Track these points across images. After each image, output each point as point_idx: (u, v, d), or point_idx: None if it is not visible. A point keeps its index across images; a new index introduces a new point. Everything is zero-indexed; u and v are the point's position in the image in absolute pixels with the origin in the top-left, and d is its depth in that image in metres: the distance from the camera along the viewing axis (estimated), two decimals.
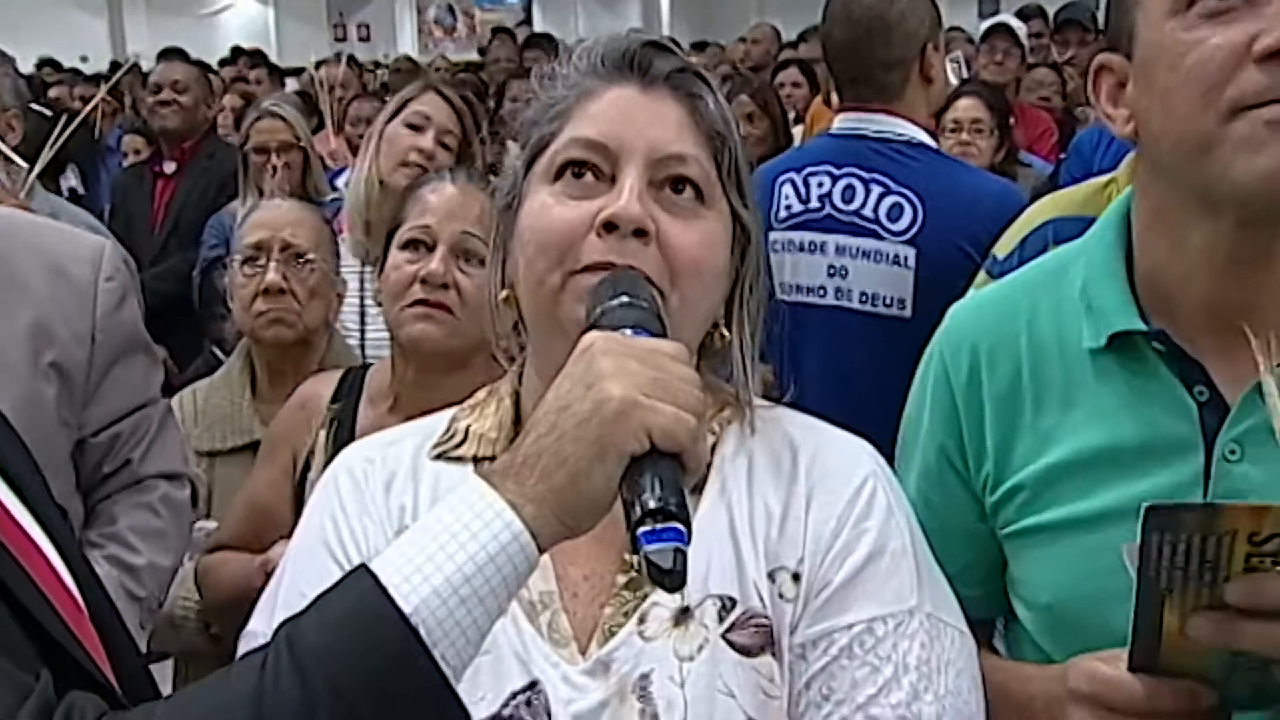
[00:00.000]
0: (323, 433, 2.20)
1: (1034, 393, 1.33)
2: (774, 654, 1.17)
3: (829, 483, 1.22)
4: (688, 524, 0.96)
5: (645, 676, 1.15)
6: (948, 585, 1.25)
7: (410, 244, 2.15)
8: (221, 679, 0.98)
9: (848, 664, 1.16)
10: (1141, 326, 1.26)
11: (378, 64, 11.68)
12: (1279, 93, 1.11)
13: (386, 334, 3.15)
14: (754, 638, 1.17)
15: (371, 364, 2.36)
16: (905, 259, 2.78)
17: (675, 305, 1.18)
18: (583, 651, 1.18)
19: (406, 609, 0.93)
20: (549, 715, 1.15)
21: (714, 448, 1.24)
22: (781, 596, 1.18)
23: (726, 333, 1.27)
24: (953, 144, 4.26)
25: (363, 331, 3.22)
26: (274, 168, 3.98)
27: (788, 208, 2.94)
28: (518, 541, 0.96)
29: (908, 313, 2.76)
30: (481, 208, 2.16)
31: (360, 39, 21.87)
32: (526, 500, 0.97)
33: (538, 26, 20.35)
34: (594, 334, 1.05)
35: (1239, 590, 1.06)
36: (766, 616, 1.17)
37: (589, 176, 1.21)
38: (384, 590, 0.93)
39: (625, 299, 1.10)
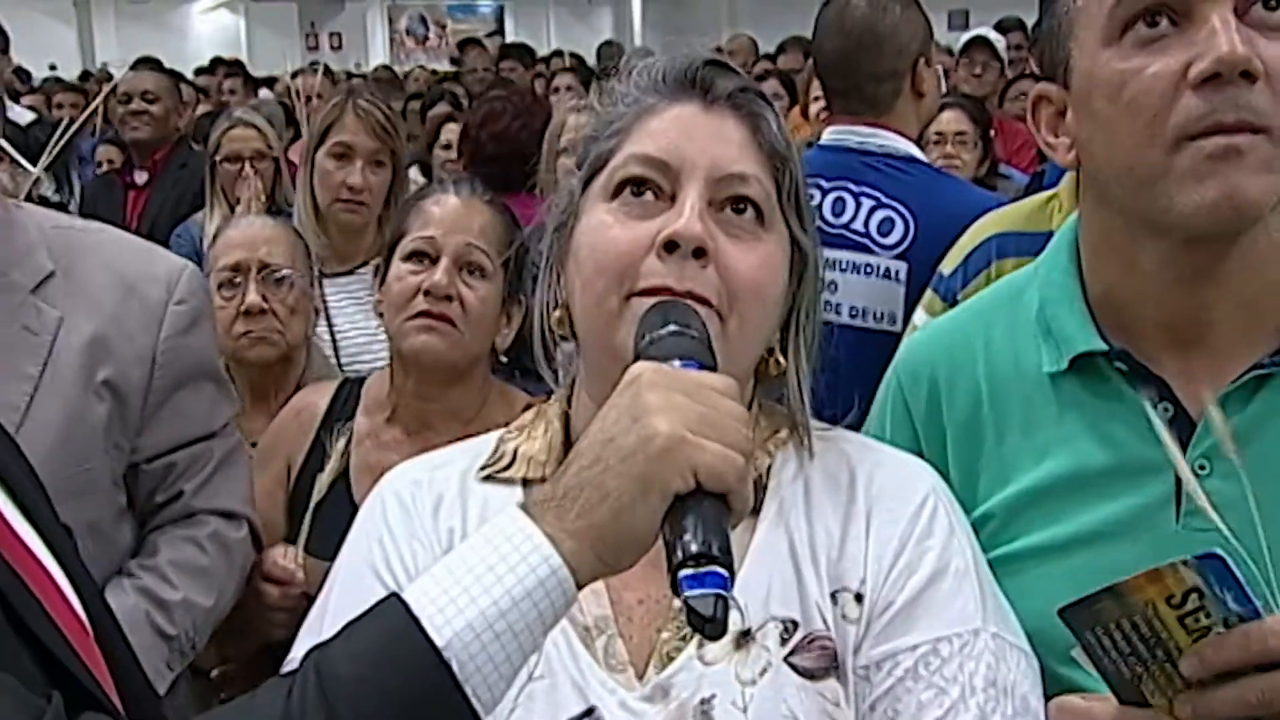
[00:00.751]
0: (341, 441, 2.17)
1: (994, 419, 1.32)
2: (838, 677, 1.14)
3: (888, 502, 1.20)
4: (730, 568, 0.93)
5: (707, 701, 1.13)
6: (1008, 605, 1.23)
7: (414, 255, 2.12)
8: (246, 703, 0.96)
9: (913, 686, 1.13)
10: (1103, 346, 1.25)
11: (349, 74, 11.63)
12: (1218, 119, 1.12)
13: (363, 345, 3.16)
14: (818, 660, 1.15)
15: (367, 376, 2.34)
16: (897, 273, 2.75)
17: (733, 329, 1.16)
18: (640, 676, 1.16)
19: (439, 642, 0.91)
20: None
21: (770, 470, 1.22)
22: (845, 618, 1.16)
23: (782, 359, 1.25)
24: (937, 156, 4.26)
25: (335, 345, 3.18)
26: (250, 175, 3.91)
27: None
28: (555, 577, 0.93)
29: (898, 327, 2.72)
30: (485, 220, 2.14)
31: (332, 48, 21.82)
32: (566, 535, 0.94)
33: (509, 36, 20.35)
34: (642, 364, 1.02)
35: (1189, 666, 1.05)
36: (830, 639, 1.15)
37: (648, 195, 1.19)
38: (417, 622, 0.91)
39: (675, 328, 1.07)
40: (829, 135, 2.92)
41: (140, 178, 4.95)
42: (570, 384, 1.32)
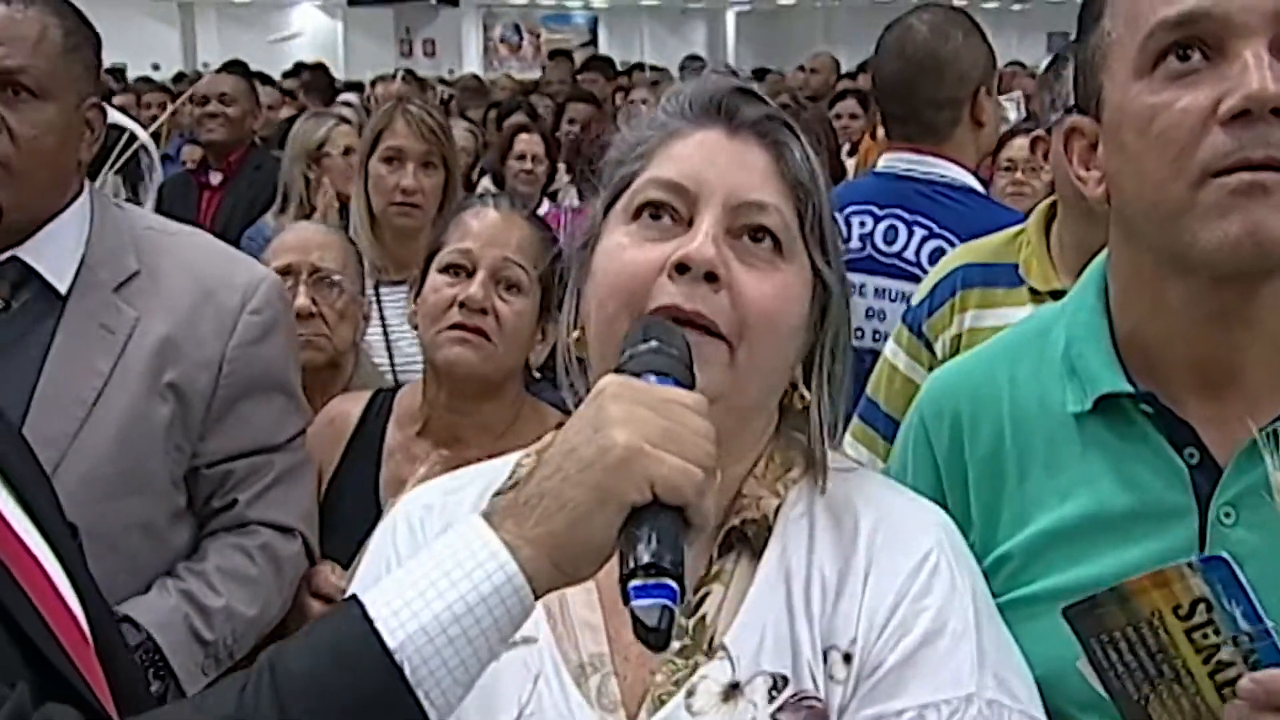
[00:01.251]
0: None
1: (1017, 458, 1.30)
2: None
3: (889, 555, 1.17)
4: (680, 581, 0.93)
5: None
6: (1022, 663, 1.19)
7: (450, 268, 2.12)
8: (202, 698, 1.00)
9: None
10: (1128, 388, 1.23)
11: (443, 80, 11.78)
12: (1245, 155, 1.10)
13: (417, 354, 3.18)
14: (805, 719, 1.12)
15: (401, 385, 2.35)
16: None
17: (742, 358, 1.15)
18: (630, 717, 1.14)
19: (392, 644, 0.92)
20: None
21: (778, 510, 1.20)
22: (832, 678, 1.13)
23: (806, 394, 1.23)
24: (1006, 184, 4.18)
25: (390, 353, 3.20)
26: (326, 183, 3.94)
27: (844, 240, 2.88)
28: (511, 584, 0.94)
29: None
30: (523, 235, 2.14)
31: (426, 55, 22.11)
32: (524, 542, 0.95)
33: (603, 48, 20.48)
34: (610, 377, 1.03)
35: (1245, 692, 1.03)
36: (819, 699, 1.12)
37: (666, 219, 1.18)
38: (371, 624, 0.93)
39: (655, 344, 1.07)
40: (885, 162, 2.88)
41: (215, 178, 5.04)
42: None
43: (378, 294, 3.16)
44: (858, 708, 1.12)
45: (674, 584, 0.93)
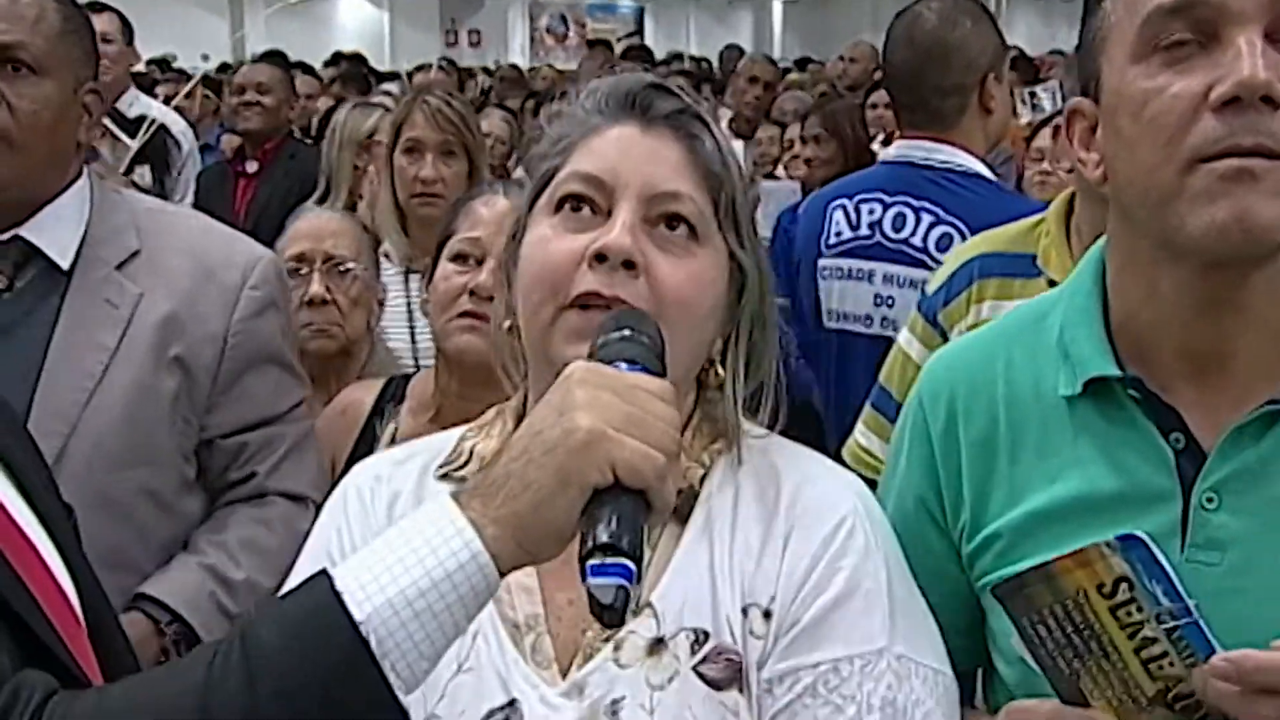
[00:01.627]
0: (389, 428, 2.22)
1: (1010, 440, 1.32)
2: (741, 688, 1.19)
3: (807, 520, 1.23)
4: (638, 562, 0.97)
5: (617, 702, 1.18)
6: (933, 625, 1.27)
7: (459, 256, 2.16)
8: (174, 667, 1.03)
9: (811, 702, 1.18)
10: (1116, 372, 1.25)
11: (485, 70, 11.82)
12: (1235, 142, 1.11)
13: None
14: (723, 672, 1.19)
15: (414, 373, 2.38)
16: None
17: (663, 338, 1.19)
18: (563, 674, 1.21)
19: (358, 617, 0.95)
20: None
21: (703, 479, 1.27)
22: (752, 633, 1.20)
23: (721, 370, 1.30)
24: (1034, 173, 4.14)
25: (413, 337, 3.24)
26: (373, 171, 3.95)
27: (838, 234, 2.90)
28: (476, 561, 0.98)
29: None
30: None
31: (471, 44, 22.17)
32: (489, 521, 0.99)
33: (649, 39, 20.44)
34: (577, 363, 1.07)
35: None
36: (736, 652, 1.19)
37: (586, 211, 1.25)
38: (339, 597, 0.96)
39: (627, 333, 1.12)
40: (894, 150, 2.90)
41: (250, 167, 5.08)
42: (525, 386, 1.36)
43: (407, 282, 3.21)
44: (776, 661, 1.19)
45: (630, 564, 0.96)
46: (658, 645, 1.20)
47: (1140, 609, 1.03)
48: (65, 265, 1.91)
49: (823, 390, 3.07)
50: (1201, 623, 1.04)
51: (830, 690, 1.18)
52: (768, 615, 1.20)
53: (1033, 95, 5.48)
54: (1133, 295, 1.26)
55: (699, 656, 1.19)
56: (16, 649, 1.06)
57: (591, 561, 0.96)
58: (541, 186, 1.29)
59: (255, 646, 0.96)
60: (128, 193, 2.15)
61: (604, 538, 0.96)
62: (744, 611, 1.20)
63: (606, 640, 1.20)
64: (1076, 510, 1.25)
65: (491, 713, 1.19)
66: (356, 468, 1.40)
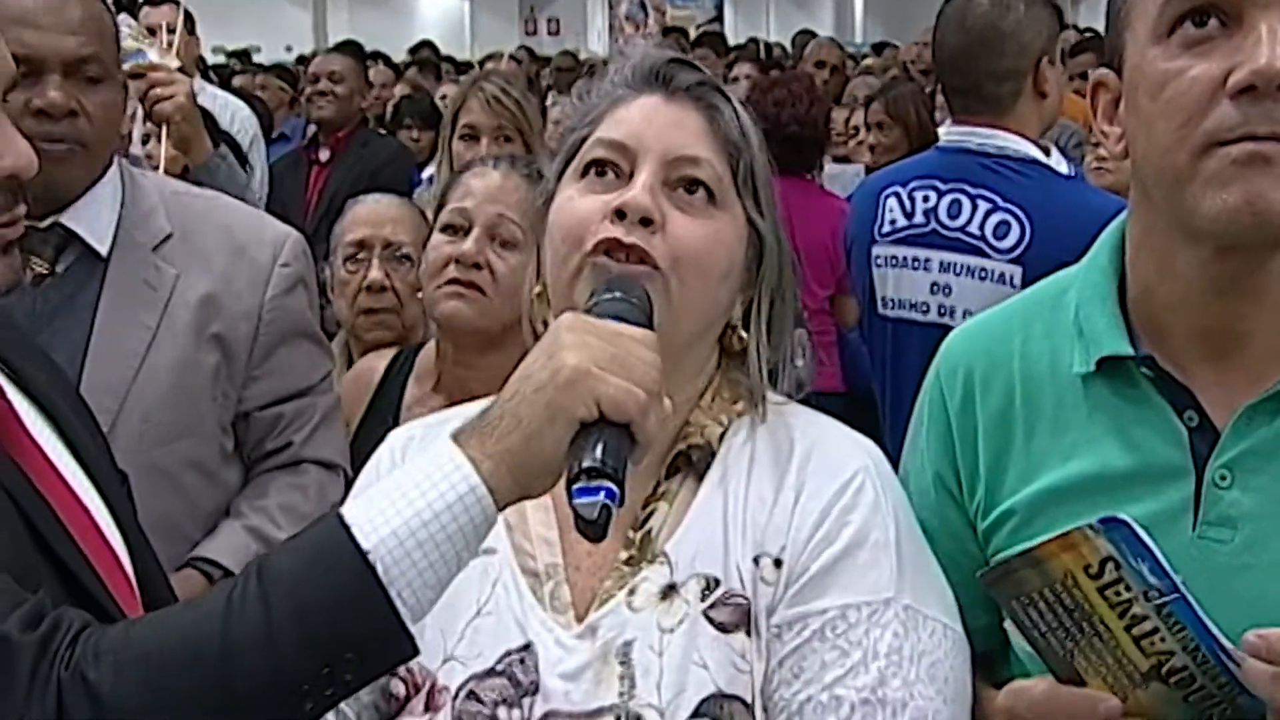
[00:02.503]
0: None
1: (1025, 417, 1.33)
2: (748, 632, 1.23)
3: (819, 477, 1.28)
4: (621, 486, 1.04)
5: (628, 644, 1.23)
6: (943, 583, 1.30)
7: (448, 227, 2.22)
8: (196, 600, 1.10)
9: (819, 646, 1.22)
10: (1129, 351, 1.25)
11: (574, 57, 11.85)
12: (1250, 129, 1.11)
13: None
14: (731, 615, 1.24)
15: (423, 344, 2.44)
16: (1011, 278, 2.69)
17: (675, 291, 1.27)
18: (579, 619, 1.27)
19: (365, 546, 1.03)
20: (538, 673, 1.24)
21: (722, 437, 1.32)
22: (763, 580, 1.25)
23: (744, 335, 1.35)
24: (1092, 158, 4.06)
25: None
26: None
27: (891, 222, 2.90)
28: (474, 494, 1.05)
29: None
30: (521, 195, 2.20)
31: (550, 33, 22.23)
32: (485, 457, 1.06)
33: (729, 25, 20.37)
34: (567, 314, 1.16)
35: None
36: (745, 597, 1.24)
37: (610, 175, 1.31)
38: (347, 528, 1.03)
39: (618, 294, 1.20)
40: (947, 136, 2.88)
41: (323, 155, 5.16)
42: None
43: None
44: (785, 607, 1.24)
45: (614, 486, 1.03)
46: (670, 591, 1.25)
47: (1128, 588, 1.04)
48: (104, 251, 1.98)
49: (877, 378, 3.07)
50: (1189, 597, 1.04)
51: (837, 635, 1.21)
52: (778, 564, 1.25)
53: None
54: (1149, 273, 1.26)
55: (709, 602, 1.24)
56: (66, 598, 1.15)
57: (577, 485, 1.04)
58: (570, 155, 1.36)
59: (271, 575, 1.03)
60: (153, 176, 2.22)
61: (588, 463, 1.03)
62: (755, 561, 1.25)
63: (622, 587, 1.26)
64: (1090, 488, 1.26)
65: (508, 653, 1.25)
66: (398, 429, 1.48)
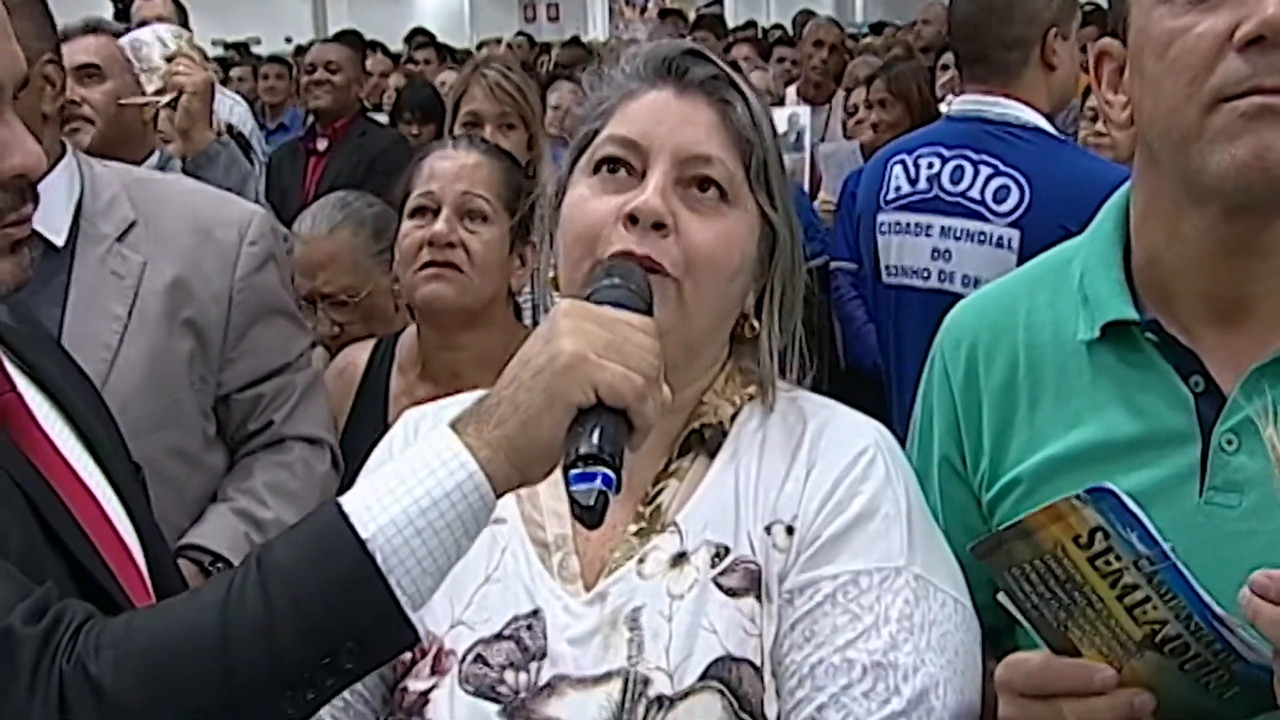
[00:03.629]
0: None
1: (1029, 387, 1.32)
2: (757, 596, 1.24)
3: (831, 452, 1.29)
4: (618, 472, 1.04)
5: (637, 610, 1.24)
6: (953, 560, 1.29)
7: (417, 211, 2.21)
8: (196, 591, 1.09)
9: (830, 610, 1.22)
10: (1134, 315, 1.24)
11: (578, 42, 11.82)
12: (1258, 81, 1.10)
13: None
14: (740, 580, 1.25)
15: (400, 333, 2.43)
16: (1009, 241, 2.70)
17: (689, 293, 1.26)
18: (588, 588, 1.28)
19: (364, 535, 1.02)
20: (546, 638, 1.25)
21: (734, 419, 1.34)
22: (775, 547, 1.26)
23: (756, 324, 1.35)
24: (1088, 133, 4.03)
25: None
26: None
27: (896, 189, 2.90)
28: (472, 481, 1.05)
29: None
30: (483, 168, 2.22)
31: (549, 19, 22.20)
32: (483, 444, 1.06)
33: (729, 9, 20.30)
34: (566, 300, 1.15)
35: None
36: (755, 563, 1.25)
37: (622, 172, 1.30)
38: (346, 517, 1.03)
39: (616, 281, 1.19)
40: (956, 105, 2.88)
41: (321, 144, 5.16)
42: None
43: None
44: (797, 572, 1.24)
45: (611, 472, 1.03)
46: (680, 559, 1.26)
47: (1118, 557, 1.02)
48: (60, 243, 1.95)
49: (883, 350, 3.06)
50: (1179, 564, 1.03)
51: (849, 600, 1.22)
52: (790, 531, 1.25)
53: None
54: (1155, 238, 1.25)
55: (719, 568, 1.25)
56: (75, 590, 1.15)
57: (574, 470, 1.04)
58: (581, 148, 1.35)
59: (270, 565, 1.03)
60: (112, 165, 2.19)
61: (585, 449, 1.03)
62: (767, 529, 1.26)
63: (631, 557, 1.27)
64: (1096, 455, 1.25)
65: (516, 619, 1.26)
66: (410, 410, 1.47)
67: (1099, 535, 1.02)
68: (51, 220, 1.95)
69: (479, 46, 7.08)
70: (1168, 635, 1.06)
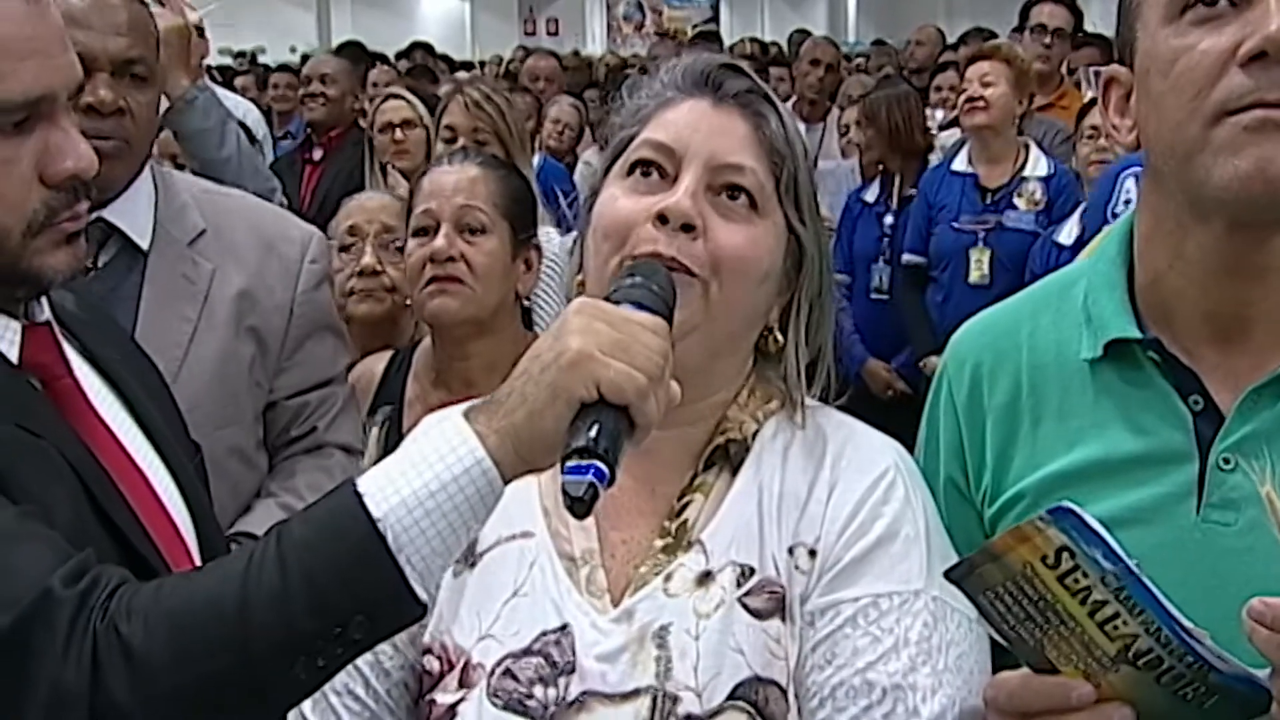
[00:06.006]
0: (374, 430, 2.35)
1: (1032, 405, 1.34)
2: (783, 619, 1.26)
3: (852, 473, 1.31)
4: (612, 467, 1.06)
5: (665, 628, 1.26)
6: None
7: (418, 231, 2.29)
8: (221, 561, 1.17)
9: (851, 632, 1.24)
10: (1136, 334, 1.26)
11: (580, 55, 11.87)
12: (1261, 95, 1.12)
13: None
14: (766, 603, 1.27)
15: (418, 344, 2.50)
16: None
17: (715, 295, 1.29)
18: (615, 604, 1.29)
19: (376, 514, 1.08)
20: (574, 654, 1.27)
21: (756, 435, 1.35)
22: (798, 569, 1.28)
23: (780, 337, 1.38)
24: (1089, 151, 4.08)
25: None
26: (395, 142, 4.15)
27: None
28: (480, 467, 1.09)
29: None
30: (478, 180, 2.28)
31: (549, 33, 22.26)
32: (491, 433, 1.10)
33: (724, 26, 20.36)
34: (580, 299, 1.18)
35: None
36: (780, 585, 1.27)
37: (655, 175, 1.33)
38: (360, 497, 1.09)
39: (638, 280, 1.21)
40: None
41: (316, 155, 5.25)
42: None
43: None
44: (819, 595, 1.27)
45: (604, 467, 1.06)
46: (705, 578, 1.28)
47: (1085, 574, 1.05)
48: (145, 245, 2.05)
49: None
50: (1144, 579, 1.05)
51: (870, 622, 1.24)
52: (813, 554, 1.28)
53: (1097, 75, 5.37)
54: (1159, 259, 1.26)
55: (745, 589, 1.27)
56: (121, 564, 1.21)
57: (569, 463, 1.06)
58: (618, 152, 1.38)
59: (288, 540, 1.09)
60: (180, 174, 2.31)
61: (580, 442, 1.06)
62: (790, 551, 1.28)
63: (658, 573, 1.29)
64: (1096, 472, 1.27)
65: (544, 634, 1.28)
66: (428, 417, 1.49)
67: (1065, 554, 1.04)
68: (137, 223, 2.06)
69: (481, 64, 7.12)
70: (1140, 649, 1.07)
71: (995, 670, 1.28)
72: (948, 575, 1.12)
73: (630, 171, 1.34)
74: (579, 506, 1.06)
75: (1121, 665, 1.09)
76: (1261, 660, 1.05)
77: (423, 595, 1.09)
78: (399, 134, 4.16)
